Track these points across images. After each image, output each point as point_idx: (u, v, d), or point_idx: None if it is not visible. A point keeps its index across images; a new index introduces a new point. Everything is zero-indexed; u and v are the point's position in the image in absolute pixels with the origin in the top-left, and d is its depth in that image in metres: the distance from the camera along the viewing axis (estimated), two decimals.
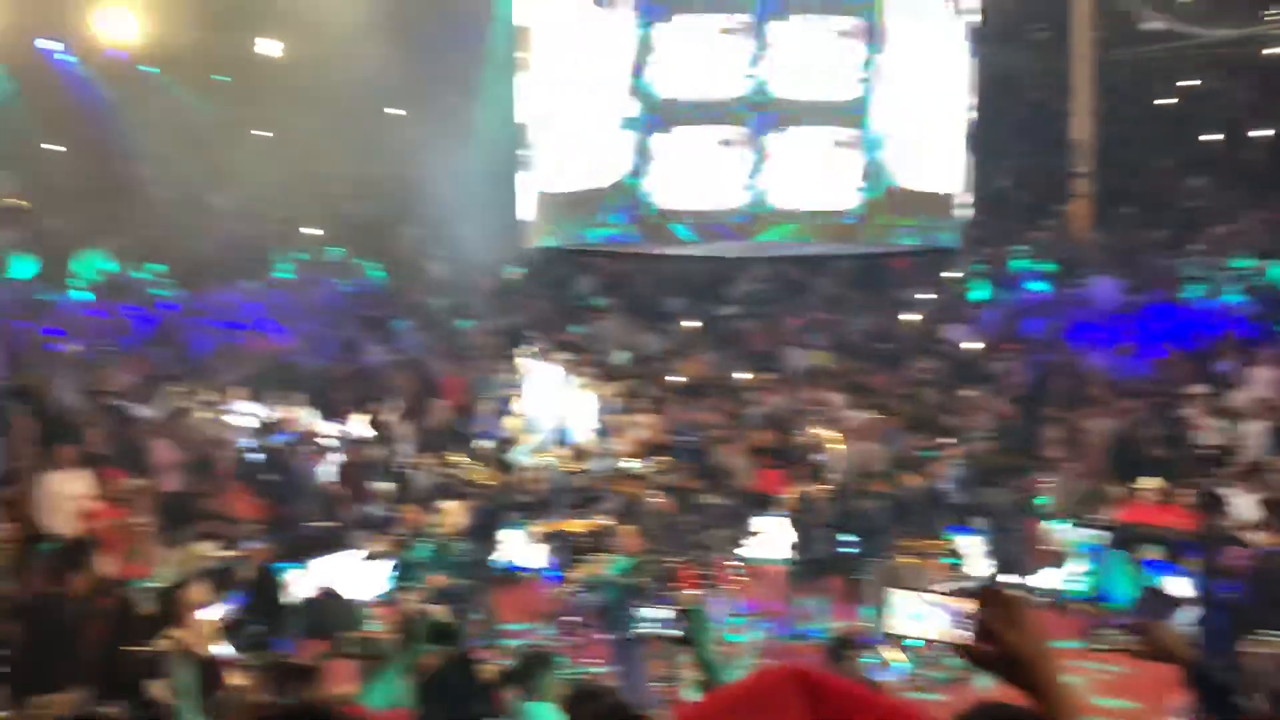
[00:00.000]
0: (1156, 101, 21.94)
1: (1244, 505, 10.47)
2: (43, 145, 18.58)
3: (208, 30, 17.25)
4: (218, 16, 16.70)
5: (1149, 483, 11.51)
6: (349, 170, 20.55)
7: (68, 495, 9.46)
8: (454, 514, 9.01)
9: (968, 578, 11.01)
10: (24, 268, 16.55)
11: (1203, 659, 3.75)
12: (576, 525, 10.97)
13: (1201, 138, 20.83)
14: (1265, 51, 19.50)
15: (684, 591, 9.19)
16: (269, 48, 18.29)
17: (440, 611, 7.12)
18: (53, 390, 12.38)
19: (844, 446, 12.99)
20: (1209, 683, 3.59)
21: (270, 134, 19.24)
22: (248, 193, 18.62)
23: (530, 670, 5.88)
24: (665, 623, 8.15)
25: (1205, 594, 8.83)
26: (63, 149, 18.84)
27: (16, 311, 14.72)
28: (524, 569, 10.97)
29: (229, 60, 18.81)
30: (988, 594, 2.25)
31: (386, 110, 19.34)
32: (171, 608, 6.67)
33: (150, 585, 8.59)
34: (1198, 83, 21.31)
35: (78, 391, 12.64)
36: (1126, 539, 11.29)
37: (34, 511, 9.45)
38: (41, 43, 17.36)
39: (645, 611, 8.42)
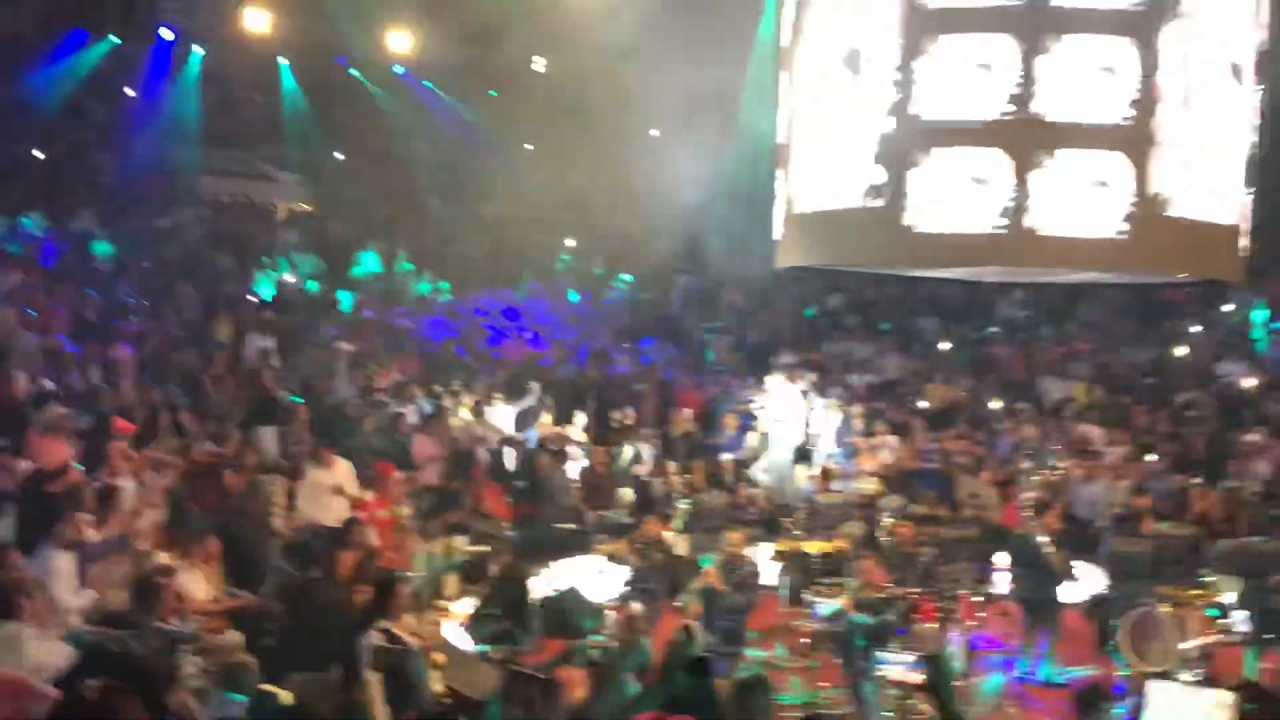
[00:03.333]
0: None
1: None
2: (335, 154, 19.95)
3: (480, 47, 18.11)
4: (490, 34, 17.48)
5: None
6: (608, 184, 21.12)
7: (335, 485, 10.08)
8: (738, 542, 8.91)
9: (1229, 631, 10.26)
10: (306, 267, 17.82)
11: None
12: (816, 546, 10.86)
13: None
14: None
15: (923, 626, 8.96)
16: (537, 64, 19.02)
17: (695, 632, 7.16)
18: (329, 385, 13.27)
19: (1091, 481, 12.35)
20: None
21: (533, 147, 19.99)
22: (514, 203, 19.43)
23: (747, 695, 5.85)
24: (908, 666, 7.92)
25: None
26: (345, 158, 20.17)
27: (302, 309, 15.87)
28: (762, 585, 10.94)
29: (500, 75, 19.68)
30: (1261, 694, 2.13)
31: (649, 132, 19.74)
32: (394, 598, 6.93)
33: (408, 574, 9.09)
34: None
35: (352, 387, 13.48)
36: None
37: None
38: (332, 58, 18.65)
39: (887, 654, 8.21)
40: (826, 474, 13.44)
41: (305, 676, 6.79)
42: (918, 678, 7.19)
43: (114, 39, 18.06)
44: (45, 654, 5.71)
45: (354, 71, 18.66)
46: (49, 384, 11.13)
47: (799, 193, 8.48)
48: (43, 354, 12.01)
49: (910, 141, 7.52)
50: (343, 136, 19.61)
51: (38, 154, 17.23)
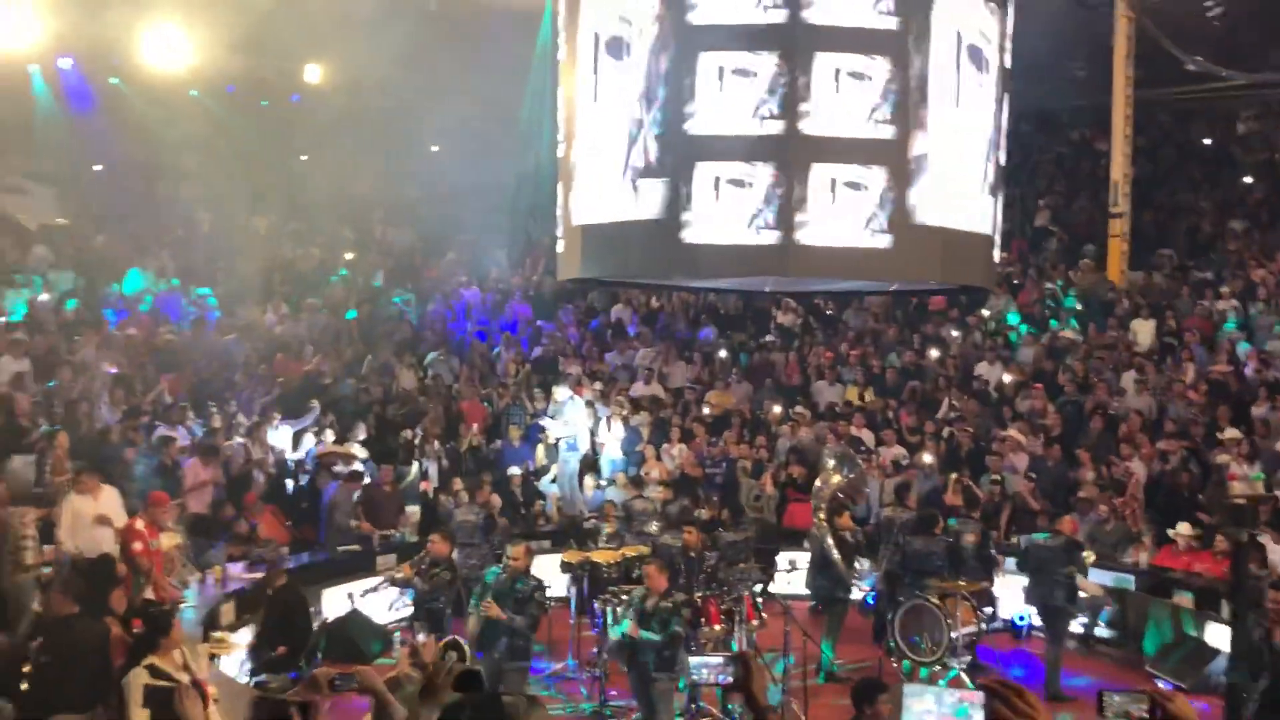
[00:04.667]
0: (1195, 140, 21.86)
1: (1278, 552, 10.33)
2: (94, 166, 18.91)
3: (252, 57, 17.52)
4: (263, 44, 16.93)
5: (1183, 528, 11.40)
6: (387, 196, 20.80)
7: (100, 514, 9.52)
8: (519, 553, 8.78)
9: (995, 619, 10.93)
10: (63, 284, 16.79)
11: None
12: (603, 556, 10.96)
13: (1242, 180, 20.71)
14: None
15: (711, 628, 9.17)
16: (312, 75, 18.54)
17: (461, 656, 7.06)
18: (90, 409, 12.52)
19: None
20: None
21: (308, 159, 19.49)
22: (288, 216, 18.86)
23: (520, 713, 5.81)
24: (712, 668, 8.04)
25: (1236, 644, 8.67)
26: (99, 168, 19.16)
27: (58, 329, 14.92)
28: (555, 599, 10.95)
29: (273, 86, 19.10)
30: (998, 686, 2.26)
31: (429, 145, 19.55)
32: (161, 632, 6.61)
33: (180, 606, 8.68)
34: (1236, 124, 21.24)
35: (117, 411, 12.75)
36: (1159, 584, 11.18)
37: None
38: (73, 64, 17.60)
39: (691, 658, 8.33)
40: (612, 483, 13.61)
41: (68, 717, 6.40)
42: (728, 678, 7.32)
43: None
44: None
45: (115, 80, 17.72)
46: None
47: (578, 205, 8.55)
48: None
49: (681, 156, 7.69)
50: (104, 148, 18.60)
51: None
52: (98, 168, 19.19)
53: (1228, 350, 14.95)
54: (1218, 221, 19.33)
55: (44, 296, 16.01)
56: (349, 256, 20.04)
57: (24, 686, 7.07)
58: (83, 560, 9.00)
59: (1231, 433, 12.74)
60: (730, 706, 8.60)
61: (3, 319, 14.67)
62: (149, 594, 8.72)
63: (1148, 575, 11.49)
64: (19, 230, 18.45)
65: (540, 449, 14.35)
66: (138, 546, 9.04)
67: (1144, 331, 15.90)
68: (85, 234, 18.54)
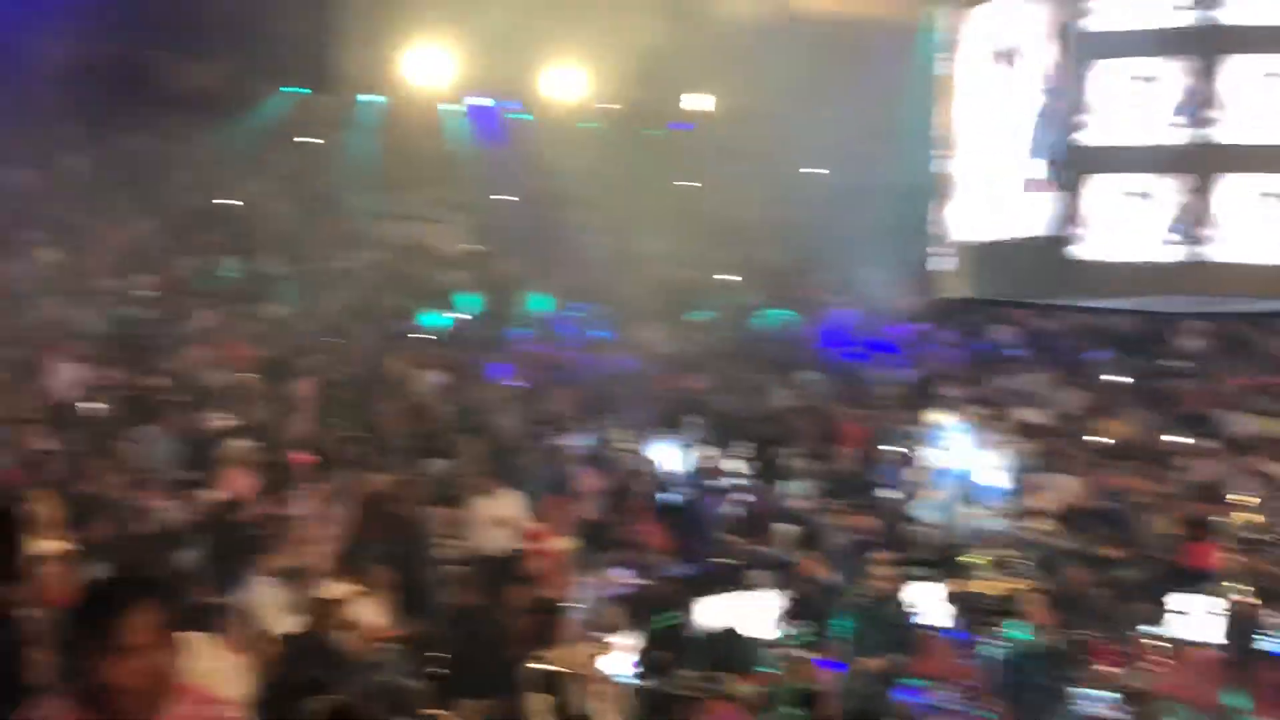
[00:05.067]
0: None
1: None
2: (499, 196, 20.58)
3: (642, 88, 18.46)
4: (653, 75, 17.80)
5: None
6: (765, 219, 21.18)
7: (501, 516, 10.32)
8: (885, 575, 8.73)
9: None
10: (473, 304, 18.37)
11: None
12: (987, 586, 10.59)
13: None
14: None
15: (1103, 669, 8.63)
16: (698, 103, 19.25)
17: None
18: (497, 418, 13.61)
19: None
20: None
21: (693, 184, 20.21)
22: (671, 240, 19.65)
23: None
24: (1103, 703, 7.61)
25: None
26: (513, 199, 20.74)
27: (466, 346, 16.35)
28: (931, 628, 10.70)
29: (660, 116, 20.01)
30: None
31: (807, 166, 19.74)
32: (551, 629, 7.02)
33: (570, 605, 9.23)
34: None
35: (518, 421, 13.79)
36: None
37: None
38: (494, 101, 19.24)
39: (1078, 691, 7.93)
40: (996, 512, 13.10)
41: (471, 703, 6.96)
42: (1121, 714, 6.92)
43: (297, 90, 19.06)
44: (234, 676, 6.01)
45: (520, 115, 19.23)
46: (231, 418, 11.74)
47: (962, 222, 8.36)
48: (226, 389, 12.68)
49: (1076, 168, 7.33)
50: (510, 178, 20.19)
51: (229, 202, 18.26)
52: (505, 197, 20.81)
53: None
54: None
55: (458, 316, 17.60)
56: (728, 277, 20.58)
57: (433, 672, 7.79)
58: (486, 557, 9.81)
59: None
60: None
61: (426, 336, 16.25)
62: (544, 592, 9.32)
63: None
64: (437, 256, 20.35)
65: (918, 473, 14.05)
66: (534, 547, 9.71)
67: None
68: (493, 259, 20.18)
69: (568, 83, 18.74)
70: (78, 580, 7.19)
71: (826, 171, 19.58)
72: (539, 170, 19.49)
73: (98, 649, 2.86)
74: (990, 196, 7.99)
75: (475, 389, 14.35)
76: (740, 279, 20.60)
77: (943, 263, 8.79)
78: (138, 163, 16.67)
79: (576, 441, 13.38)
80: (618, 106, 19.26)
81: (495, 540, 10.08)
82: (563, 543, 10.32)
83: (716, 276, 20.54)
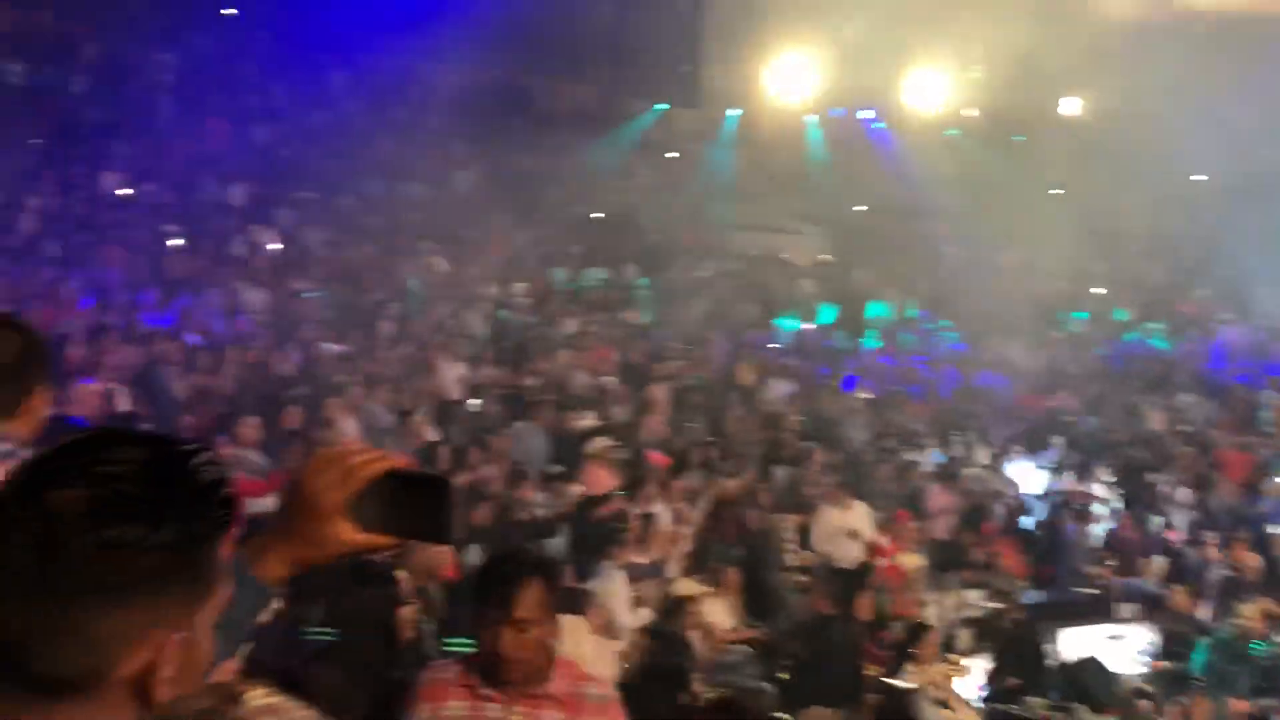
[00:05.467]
0: None
1: None
2: (853, 207, 20.53)
3: (1009, 92, 17.84)
4: (1022, 78, 17.18)
5: None
6: (1142, 228, 19.94)
7: (850, 528, 10.32)
8: (1255, 614, 8.12)
9: None
10: (826, 315, 18.40)
11: None
12: None
13: None
14: None
15: None
16: (1069, 106, 18.39)
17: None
18: (848, 429, 13.59)
19: None
20: None
21: (1063, 191, 19.32)
22: (1038, 250, 18.88)
23: None
24: None
25: None
26: (865, 208, 20.62)
27: (817, 356, 16.41)
28: None
29: (1029, 120, 19.26)
30: None
31: (1188, 174, 18.41)
32: (919, 647, 6.96)
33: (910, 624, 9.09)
34: None
35: (867, 432, 13.71)
36: None
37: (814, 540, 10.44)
38: (855, 111, 19.23)
39: None
40: None
41: (819, 710, 7.02)
42: None
43: (661, 106, 19.87)
44: (602, 659, 6.40)
45: (878, 124, 19.09)
46: (592, 418, 12.37)
47: None
48: (590, 390, 13.38)
49: None
50: (863, 189, 20.09)
51: (600, 214, 19.29)
52: (861, 208, 20.71)
53: None
54: None
55: (809, 326, 17.69)
56: (1099, 291, 19.52)
57: (783, 677, 7.91)
58: (835, 567, 9.83)
59: None
60: None
61: (778, 345, 16.47)
62: (894, 608, 9.24)
63: None
64: (790, 267, 20.54)
65: None
66: (882, 561, 9.65)
67: None
68: (845, 269, 20.12)
69: (931, 90, 18.39)
70: (458, 559, 7.88)
71: (1214, 177, 18.16)
72: (899, 179, 19.28)
73: (493, 620, 3.16)
74: None
75: (826, 399, 14.37)
76: (1113, 292, 19.47)
77: None
78: (518, 178, 17.93)
79: (930, 457, 13.13)
80: (980, 113, 18.70)
81: (844, 551, 10.09)
82: (911, 559, 10.18)
83: (1088, 290, 19.52)
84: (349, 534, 1.71)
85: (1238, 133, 16.22)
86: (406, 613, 6.18)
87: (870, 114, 19.67)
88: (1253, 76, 15.00)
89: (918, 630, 7.27)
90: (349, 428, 10.05)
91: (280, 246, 15.64)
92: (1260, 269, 17.77)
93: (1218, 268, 18.50)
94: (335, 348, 12.87)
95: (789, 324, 17.67)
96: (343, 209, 16.88)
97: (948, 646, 9.51)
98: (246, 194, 16.41)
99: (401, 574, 6.46)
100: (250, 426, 9.37)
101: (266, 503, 6.93)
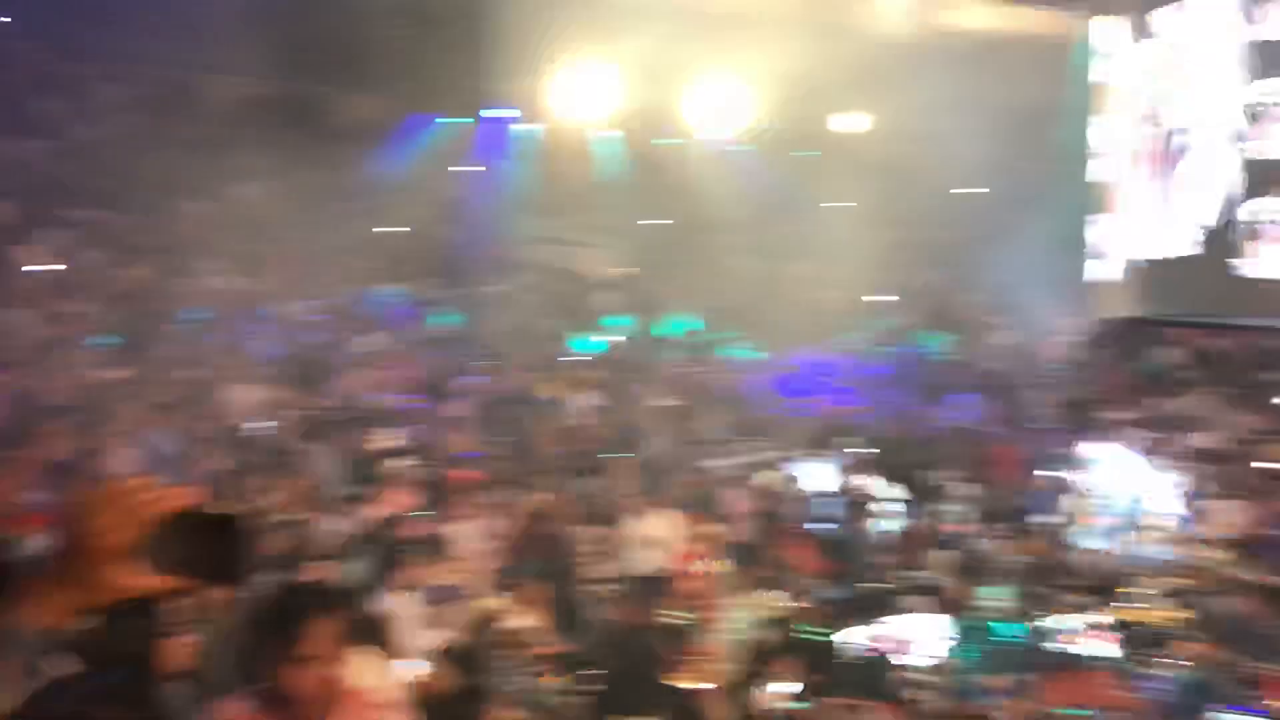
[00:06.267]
0: None
1: None
2: (649, 220, 20.85)
3: (793, 108, 18.47)
4: (804, 97, 17.81)
5: None
6: (919, 238, 20.93)
7: (653, 536, 10.46)
8: (1005, 594, 8.70)
9: None
10: (625, 327, 18.64)
11: None
12: (1150, 615, 10.24)
13: None
14: None
15: (1269, 701, 8.26)
16: (850, 123, 19.18)
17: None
18: (648, 440, 13.78)
19: None
20: None
21: (846, 204, 20.12)
22: (824, 261, 19.59)
23: None
24: None
25: None
26: (664, 222, 20.97)
27: (619, 367, 16.60)
28: (1082, 657, 10.40)
29: (812, 136, 19.98)
30: None
31: (959, 185, 19.47)
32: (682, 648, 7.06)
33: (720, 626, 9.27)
34: None
35: (669, 442, 13.95)
36: None
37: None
38: (649, 130, 19.54)
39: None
40: (1161, 538, 12.65)
41: None
42: None
43: (453, 119, 19.71)
44: (396, 687, 6.26)
45: (670, 141, 19.46)
46: (398, 438, 12.18)
47: (1119, 239, 8.14)
48: (389, 409, 13.16)
49: (1247, 184, 7.08)
50: (658, 203, 20.44)
51: (389, 229, 18.96)
52: (656, 222, 21.05)
53: None
54: None
55: (610, 338, 17.89)
56: (882, 299, 20.40)
57: (586, 689, 7.92)
58: (639, 576, 9.93)
59: None
60: None
61: (579, 357, 16.58)
62: (693, 615, 9.39)
63: None
64: (589, 279, 20.71)
65: (1076, 498, 13.67)
66: (684, 568, 9.80)
67: None
68: (643, 282, 20.43)
69: (718, 107, 18.87)
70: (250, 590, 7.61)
71: (983, 190, 19.25)
72: (692, 194, 19.68)
73: (278, 656, 3.06)
74: (1156, 212, 7.76)
75: (627, 410, 14.56)
76: (894, 300, 20.39)
77: (1105, 281, 8.55)
78: (307, 192, 17.48)
79: (727, 463, 13.44)
80: (767, 129, 19.31)
81: (646, 560, 10.21)
82: (713, 564, 10.37)
83: (870, 298, 20.38)
84: (133, 578, 1.61)
85: (1004, 147, 17.23)
86: (187, 645, 5.90)
87: (663, 130, 20.02)
88: (1012, 93, 15.97)
89: (685, 631, 7.42)
90: (127, 459, 9.56)
91: (53, 267, 14.79)
92: (1026, 275, 18.94)
93: (991, 274, 19.61)
94: (113, 373, 12.24)
95: (591, 336, 17.82)
96: (120, 226, 16.08)
97: (758, 649, 9.74)
98: (15, 212, 15.45)
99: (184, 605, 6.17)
100: (15, 459, 8.81)
101: (36, 543, 6.51)
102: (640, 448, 13.30)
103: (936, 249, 20.93)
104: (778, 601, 10.87)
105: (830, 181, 19.91)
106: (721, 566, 10.66)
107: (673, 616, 8.58)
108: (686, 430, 14.39)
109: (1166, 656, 8.75)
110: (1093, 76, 8.48)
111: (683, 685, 7.10)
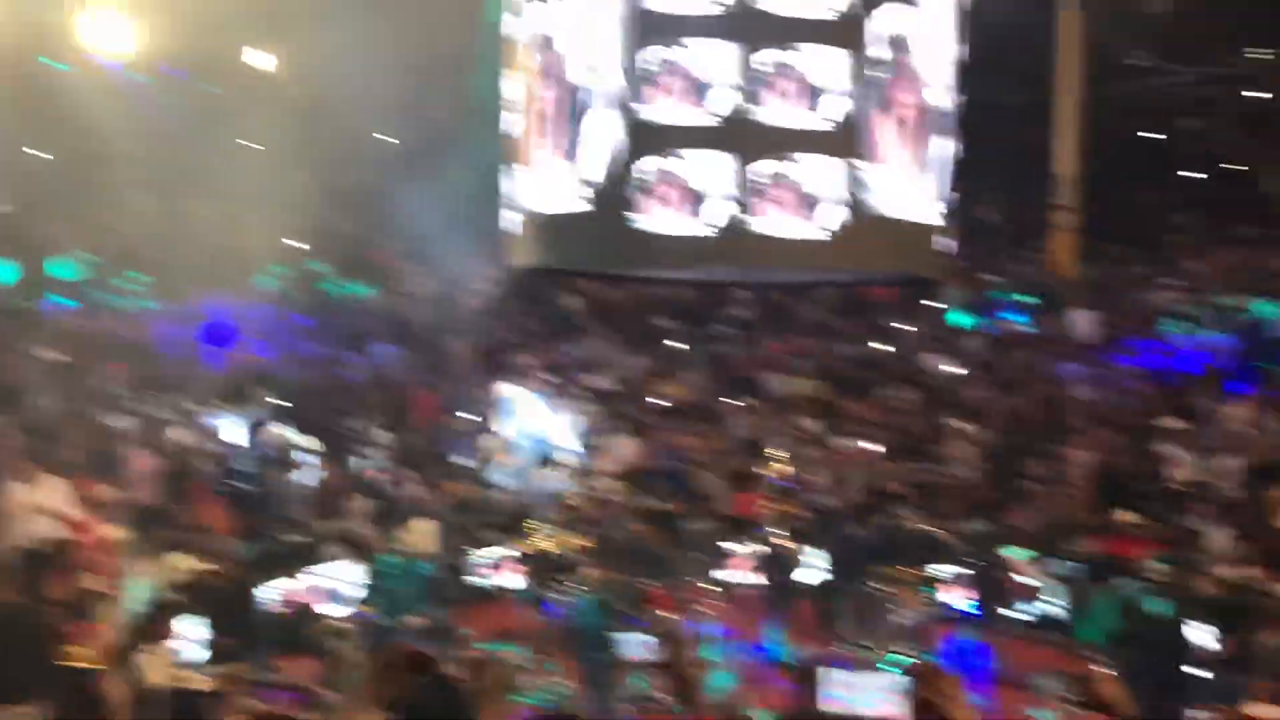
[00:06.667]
0: (1140, 136, 22.19)
1: (1218, 540, 10.54)
2: (25, 150, 18.58)
3: (200, 40, 17.30)
4: (211, 27, 16.73)
5: (1125, 515, 11.55)
6: (334, 184, 20.62)
7: (44, 504, 9.40)
8: (422, 533, 8.96)
9: (943, 607, 11.02)
10: (4, 273, 16.53)
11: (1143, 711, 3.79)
12: (554, 545, 10.95)
13: (1183, 174, 21.08)
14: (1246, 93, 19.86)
15: (661, 615, 9.19)
16: (260, 60, 18.34)
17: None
18: (34, 397, 12.34)
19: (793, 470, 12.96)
20: None
21: (258, 145, 19.30)
22: (234, 203, 18.68)
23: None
24: (644, 645, 8.12)
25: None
26: (48, 156, 18.82)
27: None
28: (498, 589, 10.93)
29: (220, 70, 18.88)
30: (925, 671, 2.42)
31: (377, 132, 19.43)
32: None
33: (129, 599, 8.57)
34: (1183, 120, 21.63)
35: (59, 399, 12.59)
36: (1102, 570, 11.33)
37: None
38: (33, 51, 17.36)
39: (623, 635, 8.40)
40: (564, 473, 13.59)
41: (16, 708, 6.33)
42: (658, 656, 7.39)
43: None
44: None
45: (57, 65, 17.43)
46: None
47: (527, 191, 8.50)
48: None
49: (633, 143, 7.67)
50: (43, 135, 18.29)
51: None
52: (39, 154, 18.85)
53: (1169, 340, 15.22)
54: (1161, 216, 19.64)
55: None
56: (293, 244, 19.86)
57: None
58: (24, 549, 8.88)
59: (1172, 422, 12.96)
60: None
61: None
62: (90, 584, 8.60)
63: (1091, 562, 11.65)
64: None
65: (491, 439, 14.30)
66: (79, 536, 8.92)
67: (1087, 322, 16.14)
68: (25, 221, 18.24)
69: (113, 28, 17.13)
70: None
71: (398, 138, 19.36)
72: (84, 126, 17.76)
73: None
74: (553, 166, 8.17)
75: (8, 364, 12.93)
76: (309, 246, 19.93)
77: (514, 232, 8.90)
78: None
79: (128, 420, 12.40)
80: (170, 58, 17.93)
81: (34, 529, 9.15)
82: (112, 530, 9.54)
83: (284, 243, 19.73)
84: None
85: (422, 94, 17.41)
86: None
87: (50, 51, 17.84)
88: (429, 40, 16.15)
89: (89, 602, 6.84)
90: None
91: None
92: (445, 222, 19.37)
93: (408, 221, 19.80)
94: None
95: None
96: None
97: (156, 614, 9.10)
98: None
99: None
100: None
101: None
102: (24, 406, 11.87)
103: (352, 194, 20.77)
104: (187, 564, 10.29)
105: (242, 120, 18.98)
106: (121, 533, 9.86)
107: (65, 590, 7.77)
108: (79, 386, 13.07)
109: (571, 582, 9.40)
110: (504, 29, 8.74)
111: (77, 664, 6.45)
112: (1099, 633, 10.95)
